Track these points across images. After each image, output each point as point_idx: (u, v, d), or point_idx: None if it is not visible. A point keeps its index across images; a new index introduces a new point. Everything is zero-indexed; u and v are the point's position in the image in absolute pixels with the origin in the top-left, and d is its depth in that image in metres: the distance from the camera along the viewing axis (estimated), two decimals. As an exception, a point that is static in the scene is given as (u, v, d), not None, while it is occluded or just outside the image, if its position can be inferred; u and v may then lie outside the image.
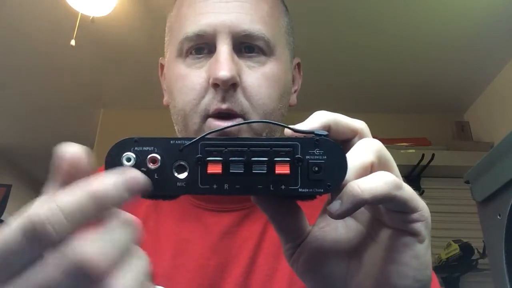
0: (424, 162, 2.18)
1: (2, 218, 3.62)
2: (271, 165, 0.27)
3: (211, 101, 0.53)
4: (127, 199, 0.25)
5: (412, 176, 2.28)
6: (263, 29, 0.55)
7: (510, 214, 0.63)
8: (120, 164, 0.27)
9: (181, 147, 0.28)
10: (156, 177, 0.27)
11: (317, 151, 0.28)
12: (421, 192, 2.25)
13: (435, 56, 2.19)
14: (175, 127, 0.59)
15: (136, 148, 0.28)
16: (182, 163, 0.28)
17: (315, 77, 2.37)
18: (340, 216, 0.29)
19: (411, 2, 1.87)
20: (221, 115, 0.52)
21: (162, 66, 0.66)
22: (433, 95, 2.51)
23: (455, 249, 1.92)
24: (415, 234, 0.31)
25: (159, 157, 0.27)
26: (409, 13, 1.94)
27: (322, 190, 0.28)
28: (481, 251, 1.83)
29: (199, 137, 0.28)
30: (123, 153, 0.27)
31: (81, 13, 1.84)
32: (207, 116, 0.53)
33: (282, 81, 0.57)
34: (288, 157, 0.27)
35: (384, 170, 0.31)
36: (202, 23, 0.54)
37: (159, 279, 0.51)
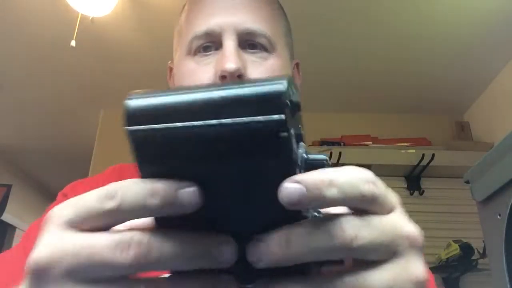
0: (424, 162, 2.18)
1: (2, 218, 3.62)
2: None
3: None
4: None
5: (412, 176, 2.28)
6: (264, 27, 0.60)
7: (510, 214, 0.63)
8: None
9: None
10: None
11: None
12: (421, 192, 2.26)
13: (435, 56, 2.19)
14: None
15: None
16: None
17: (315, 78, 2.37)
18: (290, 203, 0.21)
19: (412, 2, 1.88)
20: None
21: (171, 70, 0.70)
22: (433, 95, 2.51)
23: (455, 249, 1.92)
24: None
25: None
26: (409, 14, 1.94)
27: None
28: (481, 251, 1.83)
29: None
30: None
31: (81, 14, 1.84)
32: None
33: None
34: None
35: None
36: (210, 22, 0.60)
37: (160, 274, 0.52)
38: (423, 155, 2.16)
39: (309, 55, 2.18)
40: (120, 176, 0.62)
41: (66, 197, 0.61)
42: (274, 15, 0.64)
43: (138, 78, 2.44)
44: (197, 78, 0.58)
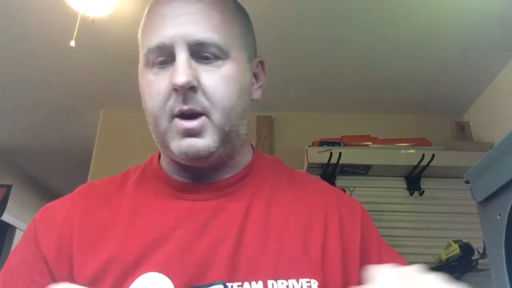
0: (424, 162, 2.18)
1: (2, 218, 3.62)
2: None
3: (174, 103, 0.60)
4: None
5: (412, 176, 2.28)
6: (214, 36, 0.61)
7: (510, 214, 0.63)
8: None
9: None
10: None
11: None
12: (421, 193, 2.26)
13: (435, 56, 2.19)
14: (149, 127, 0.66)
15: None
16: None
17: (315, 78, 2.38)
18: None
19: (411, 2, 1.87)
20: (185, 115, 0.60)
21: None
22: (433, 95, 2.51)
23: (455, 249, 1.92)
24: None
25: None
26: (409, 14, 1.94)
27: None
28: (481, 251, 1.83)
29: None
30: None
31: (81, 14, 1.84)
32: (173, 116, 0.60)
33: (239, 80, 0.64)
34: None
35: None
36: (160, 36, 0.61)
37: (152, 267, 0.55)
38: (423, 155, 2.16)
39: (309, 55, 2.18)
40: (85, 197, 0.66)
41: (35, 223, 0.64)
42: (226, 21, 0.64)
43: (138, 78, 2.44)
44: (154, 91, 0.61)
